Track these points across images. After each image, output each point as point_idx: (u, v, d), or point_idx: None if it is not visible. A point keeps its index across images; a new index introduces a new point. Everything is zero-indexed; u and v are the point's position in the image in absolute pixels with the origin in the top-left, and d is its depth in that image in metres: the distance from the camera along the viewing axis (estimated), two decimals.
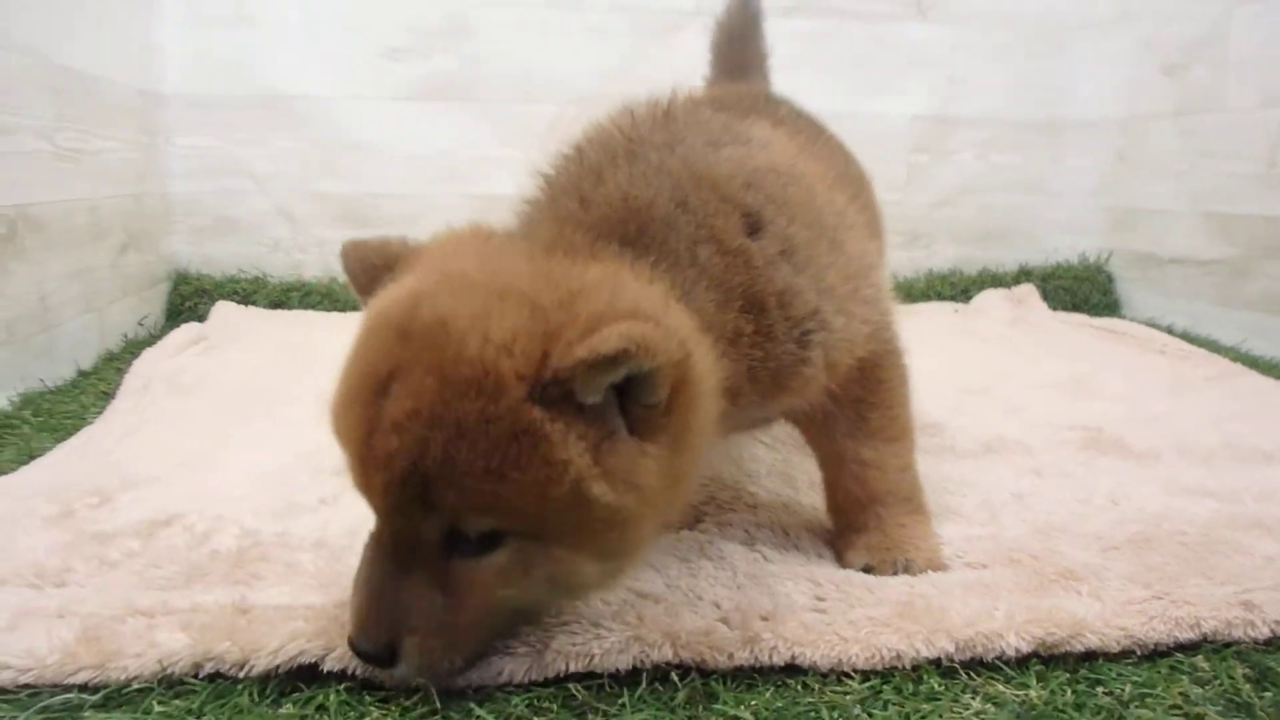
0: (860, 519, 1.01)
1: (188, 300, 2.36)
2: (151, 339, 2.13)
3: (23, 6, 1.60)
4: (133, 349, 2.00)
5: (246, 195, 2.49)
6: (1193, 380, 1.82)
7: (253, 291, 2.42)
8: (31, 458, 1.31)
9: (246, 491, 1.14)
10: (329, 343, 1.47)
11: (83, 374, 1.77)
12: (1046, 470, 1.28)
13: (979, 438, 1.42)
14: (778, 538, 1.06)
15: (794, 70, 2.65)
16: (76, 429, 1.43)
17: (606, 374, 0.70)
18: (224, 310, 2.24)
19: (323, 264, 2.50)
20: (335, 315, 2.32)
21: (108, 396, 1.62)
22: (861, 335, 0.95)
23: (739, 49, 1.48)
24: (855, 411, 1.00)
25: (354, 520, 1.05)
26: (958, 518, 1.12)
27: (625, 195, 0.85)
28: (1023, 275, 2.77)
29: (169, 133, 2.40)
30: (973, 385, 1.75)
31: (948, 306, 2.62)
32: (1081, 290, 2.71)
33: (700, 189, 0.87)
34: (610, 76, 2.57)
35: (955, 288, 2.74)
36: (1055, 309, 2.62)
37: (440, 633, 0.74)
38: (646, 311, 0.73)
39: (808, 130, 1.19)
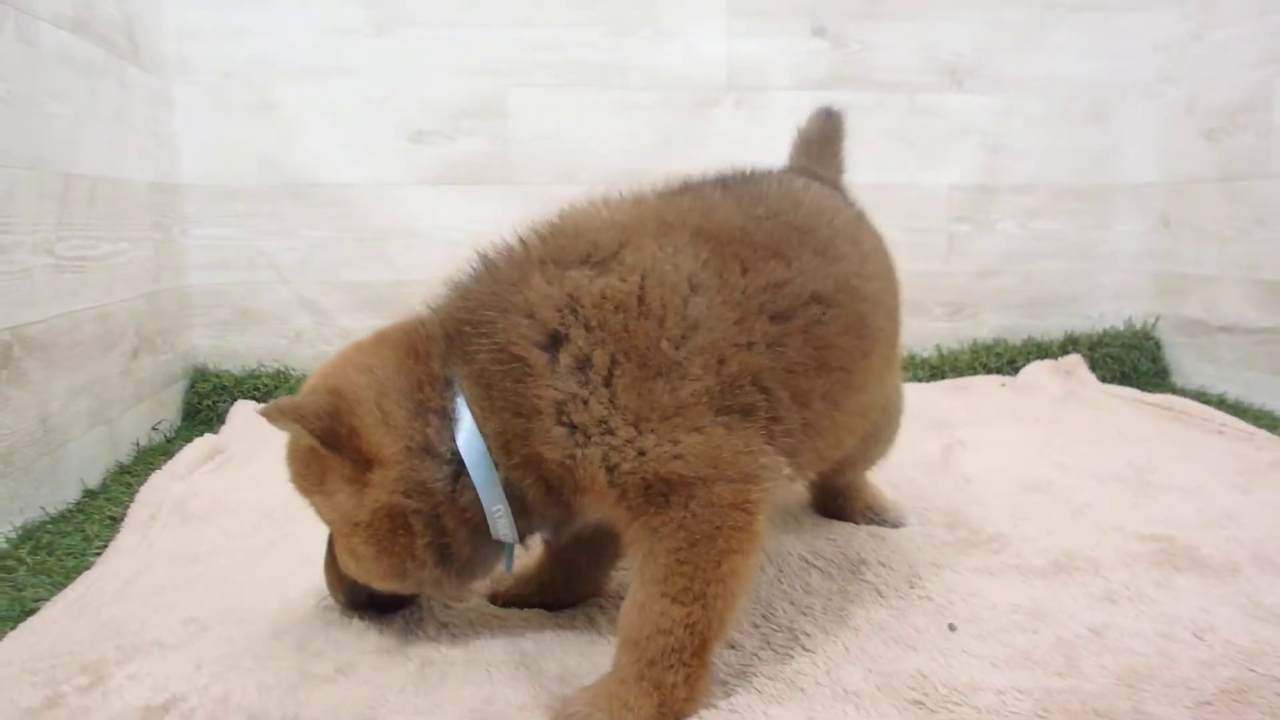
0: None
1: (206, 399, 2.29)
2: (167, 444, 2.05)
3: (26, 118, 1.53)
4: (146, 459, 1.92)
5: (268, 286, 2.43)
6: (1259, 466, 1.70)
7: (274, 387, 2.34)
8: (24, 611, 1.21)
9: (258, 657, 1.04)
10: None
11: (89, 494, 1.69)
12: (1121, 595, 1.16)
13: (1047, 551, 1.30)
14: None
15: None
16: (77, 570, 1.34)
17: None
18: (243, 412, 2.16)
19: None
20: None
21: (114, 523, 1.53)
22: (666, 456, 0.93)
23: (816, 161, 1.44)
24: (648, 545, 0.94)
25: (369, 699, 0.96)
26: (1033, 664, 1.00)
27: (459, 307, 1.01)
28: (1069, 343, 2.66)
29: (186, 224, 2.35)
30: (1033, 480, 1.64)
31: (995, 380, 2.51)
32: (1130, 358, 2.60)
33: (514, 312, 0.97)
34: (644, 154, 2.50)
35: (1001, 358, 2.63)
36: (1104, 379, 2.51)
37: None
38: (330, 387, 0.99)
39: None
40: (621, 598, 0.99)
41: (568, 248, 1.00)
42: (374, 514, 0.98)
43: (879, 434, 1.38)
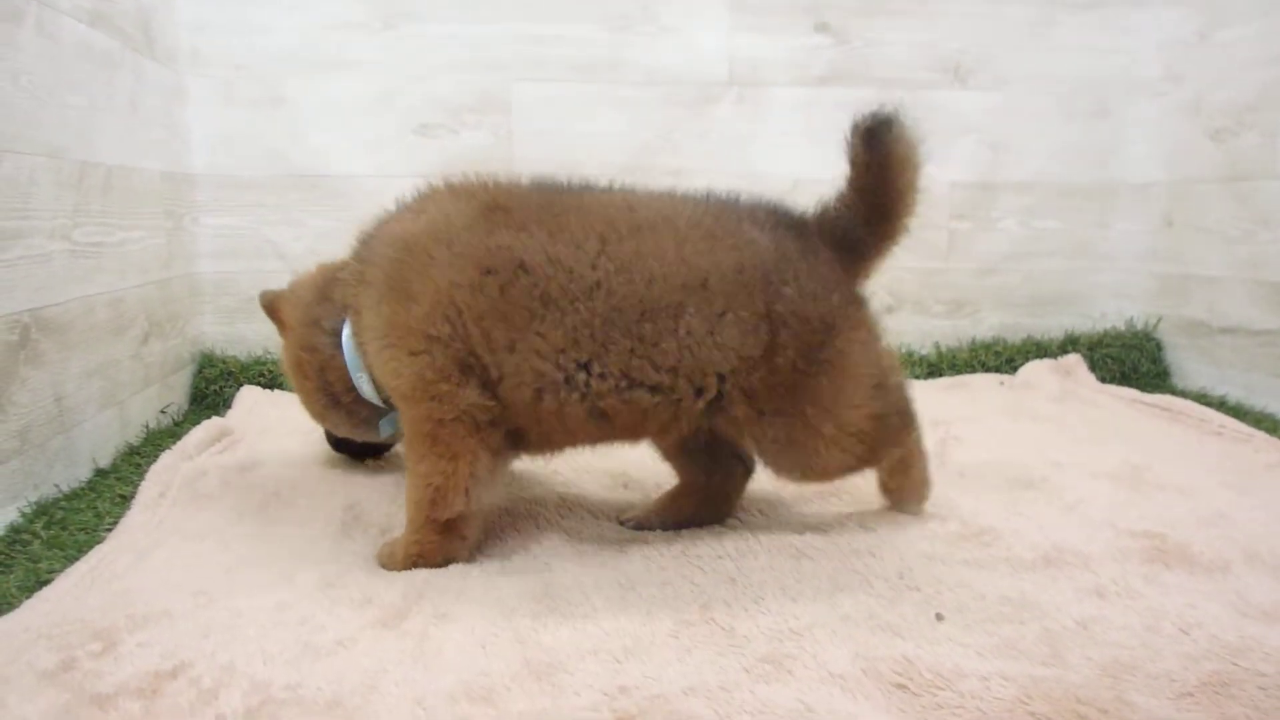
0: None
1: (213, 384, 2.33)
2: (175, 427, 2.09)
3: (45, 108, 1.57)
4: (154, 440, 1.96)
5: (275, 275, 2.46)
6: (1255, 468, 1.72)
7: (280, 374, 2.37)
8: (39, 582, 1.25)
9: (262, 628, 1.07)
10: None
11: (100, 473, 1.73)
12: (1110, 590, 1.18)
13: (1037, 546, 1.32)
14: None
15: (831, 139, 2.59)
16: (89, 545, 1.38)
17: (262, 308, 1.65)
18: (249, 396, 2.20)
19: None
20: None
21: (125, 501, 1.56)
22: (390, 373, 1.27)
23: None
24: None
25: (370, 670, 0.99)
26: (1018, 653, 1.03)
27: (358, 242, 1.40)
28: (1069, 343, 2.68)
29: (197, 213, 2.38)
30: (1027, 476, 1.66)
31: (994, 379, 2.53)
32: (1130, 359, 2.61)
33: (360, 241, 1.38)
34: (646, 149, 2.53)
35: (1000, 357, 2.65)
36: (1103, 379, 2.53)
37: None
38: (292, 288, 1.60)
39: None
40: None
41: (400, 204, 1.37)
42: (290, 362, 1.55)
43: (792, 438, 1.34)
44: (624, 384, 1.25)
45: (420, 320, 1.23)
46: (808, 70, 2.56)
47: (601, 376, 1.25)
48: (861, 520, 1.46)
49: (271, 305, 1.60)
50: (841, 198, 1.35)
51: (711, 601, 1.14)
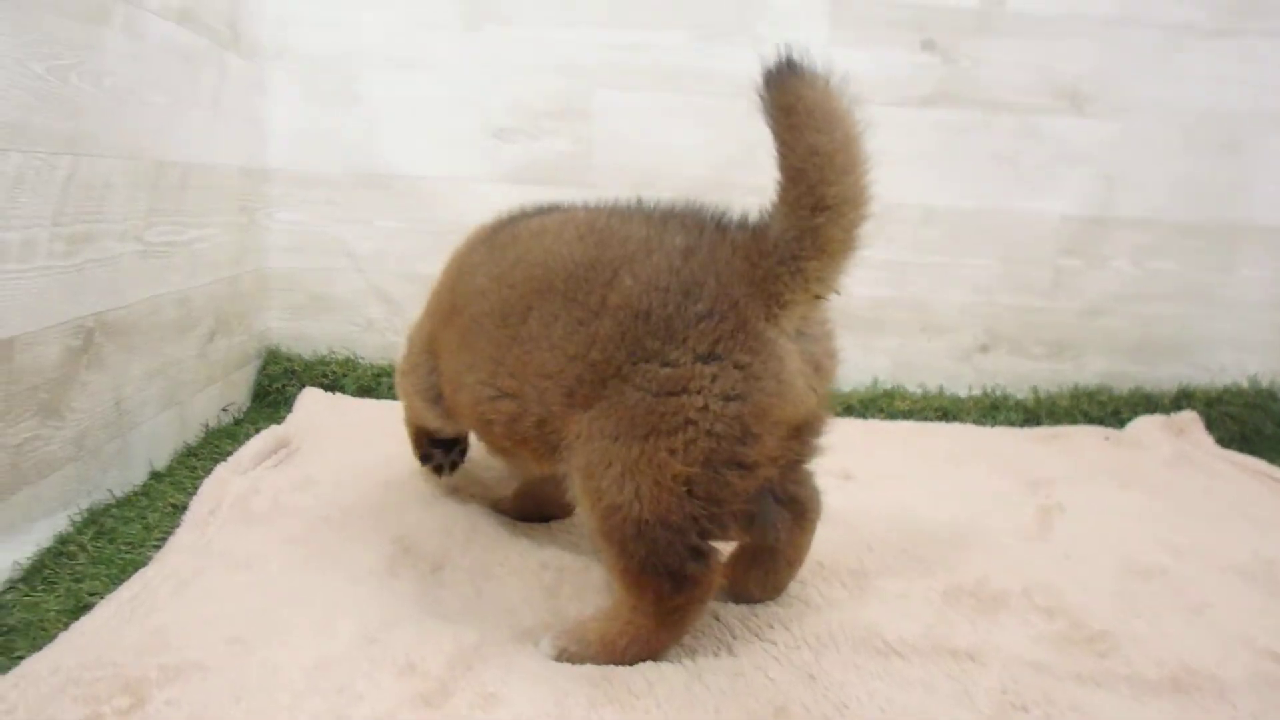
0: None
1: (276, 381, 2.28)
2: (234, 426, 2.04)
3: (126, 108, 1.52)
4: (213, 440, 1.91)
5: (342, 273, 2.41)
6: None
7: (342, 375, 2.32)
8: (78, 606, 1.20)
9: (296, 695, 0.99)
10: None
11: (156, 476, 1.68)
12: None
13: (1163, 663, 1.15)
14: None
15: (933, 164, 2.46)
16: (134, 564, 1.32)
17: None
18: (310, 400, 2.14)
19: None
20: None
21: (176, 511, 1.51)
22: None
23: None
24: None
25: None
26: None
27: None
28: (1182, 397, 2.46)
29: (270, 208, 2.33)
30: (1143, 564, 1.48)
31: (1097, 432, 2.33)
32: (1252, 419, 2.39)
33: None
34: (728, 164, 2.41)
35: (1104, 408, 2.46)
36: (1221, 440, 2.31)
37: None
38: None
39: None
40: None
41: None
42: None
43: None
44: (493, 392, 1.23)
45: None
46: (910, 90, 2.41)
47: (481, 384, 1.25)
48: (957, 600, 1.32)
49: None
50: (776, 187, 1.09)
51: (789, 703, 1.02)
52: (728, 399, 1.01)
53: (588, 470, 1.07)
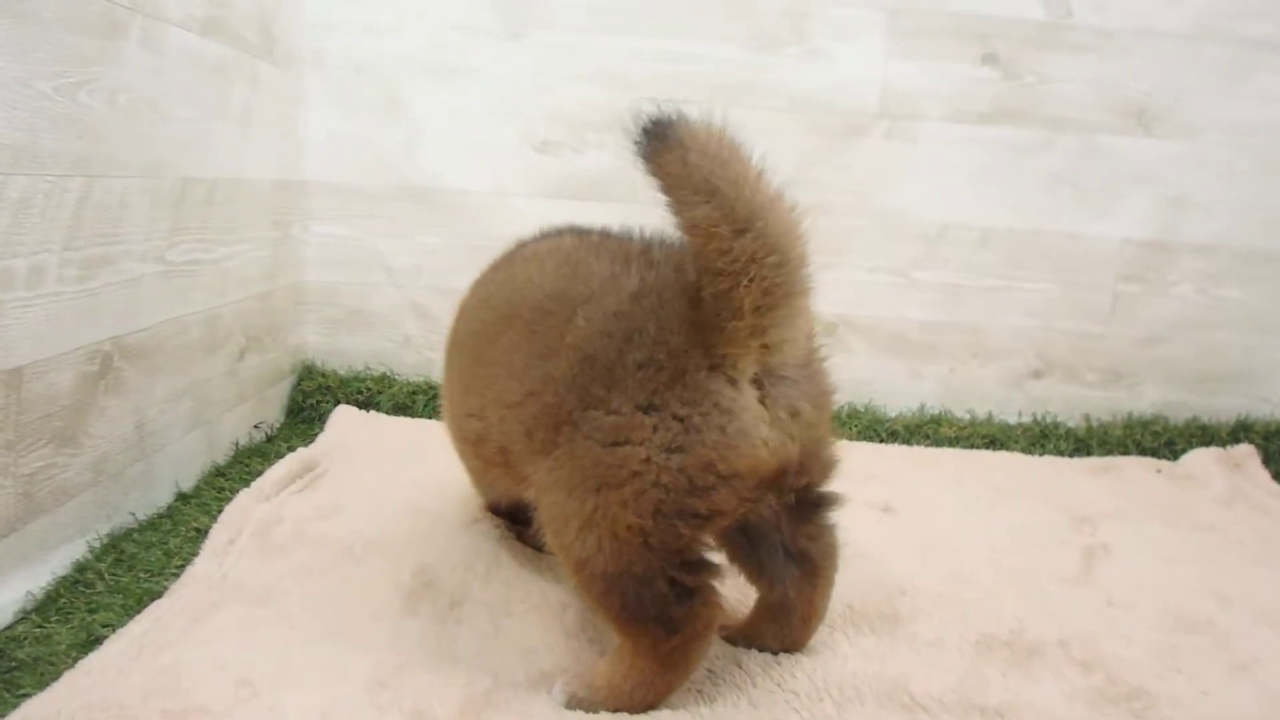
0: None
1: (310, 396, 2.26)
2: (267, 444, 2.03)
3: (146, 124, 1.50)
4: (242, 459, 1.89)
5: (379, 288, 2.39)
6: None
7: (378, 392, 2.29)
8: (90, 639, 1.18)
9: None
10: (453, 473, 1.54)
11: (182, 497, 1.66)
12: None
13: None
14: None
15: (989, 182, 2.36)
16: (151, 594, 1.30)
17: None
18: (343, 419, 2.12)
19: None
20: None
21: (199, 536, 1.49)
22: None
23: None
24: None
25: None
26: None
27: None
28: (1241, 429, 2.35)
29: (307, 220, 2.32)
30: (1189, 614, 1.40)
31: (1150, 464, 2.23)
32: None
33: None
34: (784, 182, 2.34)
35: (1159, 438, 2.35)
36: (1278, 476, 2.20)
37: None
38: None
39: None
40: None
41: None
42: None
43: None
44: (464, 410, 1.25)
45: None
46: (969, 105, 2.32)
47: (454, 400, 1.31)
48: (990, 650, 1.25)
49: None
50: None
51: None
52: (670, 451, 0.96)
53: (552, 525, 1.05)
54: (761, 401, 0.98)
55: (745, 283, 0.92)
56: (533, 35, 2.30)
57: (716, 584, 1.05)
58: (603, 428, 0.98)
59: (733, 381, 0.97)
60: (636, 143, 0.96)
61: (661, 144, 0.95)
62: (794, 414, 1.00)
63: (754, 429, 0.97)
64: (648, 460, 0.96)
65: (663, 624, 1.00)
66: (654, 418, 0.96)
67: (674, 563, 0.99)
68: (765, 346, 0.97)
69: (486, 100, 2.32)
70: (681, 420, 0.96)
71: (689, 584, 1.01)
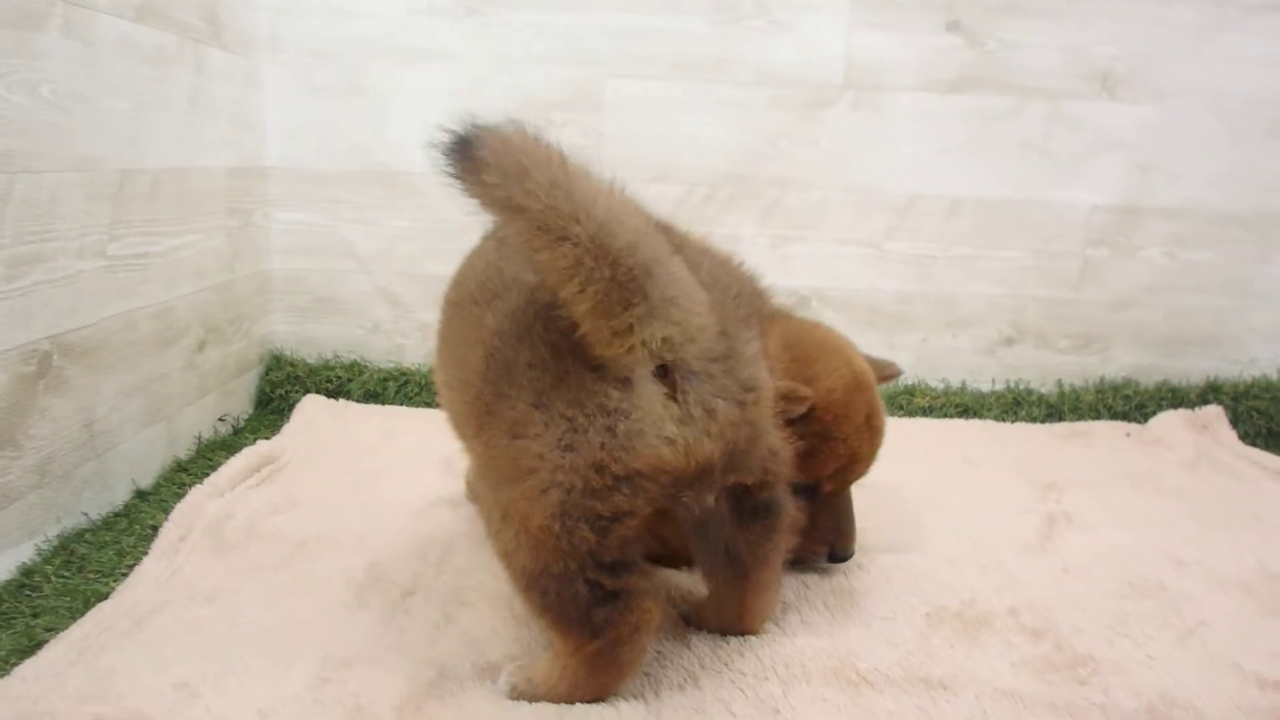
0: None
1: (279, 387, 2.25)
2: (234, 437, 2.02)
3: (75, 118, 1.47)
4: (206, 453, 1.89)
5: (348, 275, 2.37)
6: None
7: (348, 380, 2.28)
8: (32, 644, 1.17)
9: None
10: (417, 461, 1.59)
11: (140, 495, 1.66)
12: None
13: (1141, 692, 1.10)
14: None
15: (957, 152, 2.34)
16: (100, 595, 1.29)
17: None
18: (310, 409, 2.11)
19: (425, 349, 2.35)
20: (433, 413, 2.15)
21: (155, 535, 1.48)
22: None
23: None
24: None
25: None
26: None
27: None
28: (1210, 391, 2.35)
29: (269, 208, 2.30)
30: (1142, 580, 1.42)
31: (1119, 429, 2.24)
32: (1279, 414, 2.28)
33: None
34: (747, 155, 2.32)
35: (1129, 401, 2.35)
36: (1246, 436, 2.22)
37: None
38: None
39: None
40: None
41: None
42: None
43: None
44: (441, 383, 1.24)
45: None
46: (935, 74, 2.29)
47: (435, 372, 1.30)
48: (941, 622, 1.26)
49: None
50: None
51: None
52: (563, 449, 0.95)
53: (483, 512, 1.07)
54: (672, 398, 0.96)
55: (576, 291, 0.90)
56: (494, 14, 2.26)
57: (646, 586, 1.03)
58: (507, 420, 0.98)
59: (623, 382, 0.95)
60: (444, 167, 0.93)
61: (463, 165, 0.92)
62: (709, 410, 0.97)
63: (652, 428, 0.94)
64: (542, 456, 0.95)
65: (585, 626, 1.00)
66: (545, 414, 0.96)
67: (589, 565, 0.98)
68: (644, 345, 0.92)
69: (449, 81, 2.28)
70: (569, 420, 0.95)
71: (610, 587, 0.99)
